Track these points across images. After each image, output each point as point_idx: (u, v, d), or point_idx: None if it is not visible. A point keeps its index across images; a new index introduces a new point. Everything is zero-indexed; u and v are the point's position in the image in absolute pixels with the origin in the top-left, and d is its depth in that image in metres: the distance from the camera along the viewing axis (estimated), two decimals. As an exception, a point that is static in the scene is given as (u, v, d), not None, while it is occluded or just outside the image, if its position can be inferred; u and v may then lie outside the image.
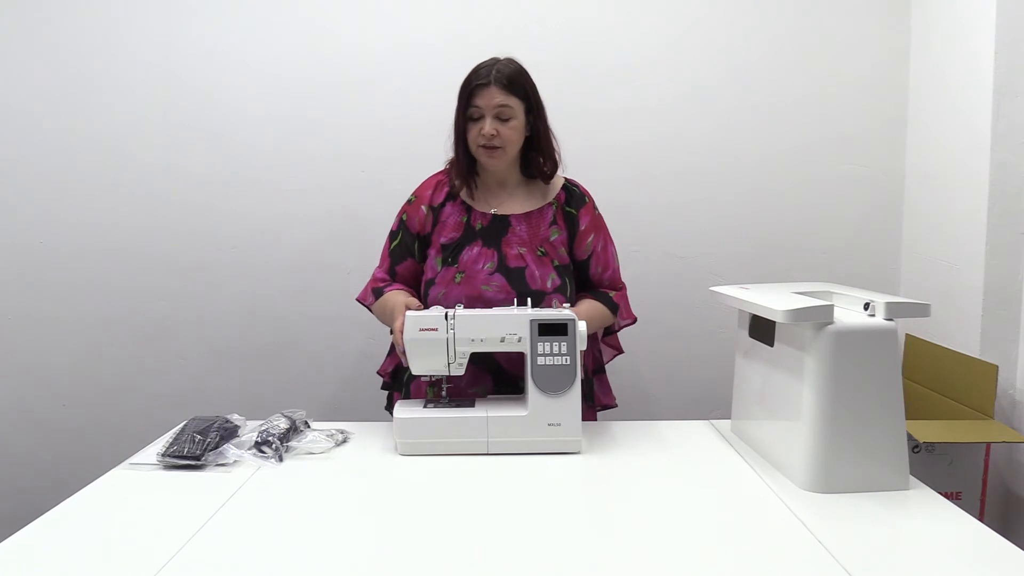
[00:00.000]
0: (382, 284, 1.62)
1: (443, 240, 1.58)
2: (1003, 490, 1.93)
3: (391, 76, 2.27)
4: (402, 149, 2.26)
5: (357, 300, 1.66)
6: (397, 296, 1.52)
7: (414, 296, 1.58)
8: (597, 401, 1.67)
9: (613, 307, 1.63)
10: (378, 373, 1.72)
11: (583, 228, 1.61)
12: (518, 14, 2.26)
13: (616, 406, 1.70)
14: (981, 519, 1.43)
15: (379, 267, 1.66)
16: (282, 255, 2.33)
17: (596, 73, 2.27)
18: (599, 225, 1.65)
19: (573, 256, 1.62)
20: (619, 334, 1.73)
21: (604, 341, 1.71)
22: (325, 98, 2.28)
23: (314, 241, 2.33)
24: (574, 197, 1.63)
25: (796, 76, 2.29)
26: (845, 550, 0.99)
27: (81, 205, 2.30)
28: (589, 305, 1.59)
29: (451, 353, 1.40)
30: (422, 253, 1.62)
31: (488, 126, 1.50)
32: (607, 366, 1.71)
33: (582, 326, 1.40)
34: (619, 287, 1.68)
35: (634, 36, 2.27)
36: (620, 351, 1.73)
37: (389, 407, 1.69)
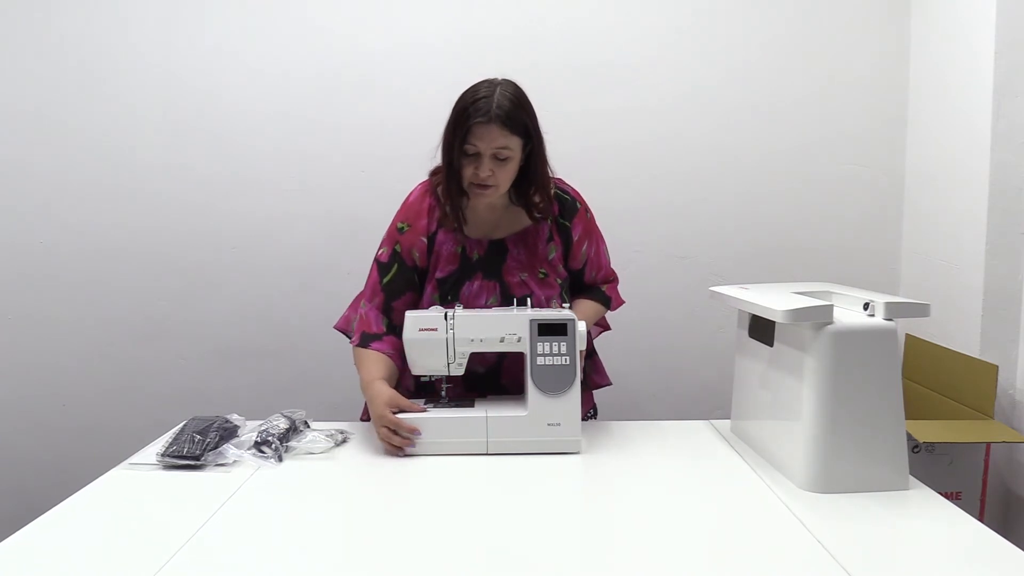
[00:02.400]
0: (375, 332, 1.49)
1: (440, 275, 1.50)
2: (1003, 490, 1.93)
3: (391, 76, 2.27)
4: (402, 149, 2.25)
5: (336, 328, 1.61)
6: (382, 387, 1.39)
7: (396, 363, 1.47)
8: (592, 383, 1.66)
9: (606, 300, 1.63)
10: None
11: (576, 239, 1.56)
12: (518, 14, 2.25)
13: (611, 384, 1.68)
14: (981, 519, 1.43)
15: (368, 302, 1.52)
16: (282, 255, 2.33)
17: (596, 73, 2.27)
18: (590, 230, 1.59)
19: (568, 267, 1.58)
20: (609, 317, 1.72)
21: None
22: (325, 98, 2.28)
23: (314, 241, 2.33)
24: (566, 206, 1.55)
25: (796, 76, 2.29)
26: (845, 550, 0.99)
27: (81, 205, 2.31)
28: (585, 306, 1.58)
29: (451, 353, 1.40)
30: (422, 286, 1.53)
31: (485, 169, 1.39)
32: (597, 345, 1.69)
33: (582, 326, 1.40)
34: (611, 279, 1.67)
35: (634, 36, 2.27)
36: (607, 327, 1.72)
37: None
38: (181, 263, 2.33)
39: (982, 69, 1.91)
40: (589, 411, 1.68)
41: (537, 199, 1.49)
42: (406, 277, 1.51)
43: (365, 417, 1.58)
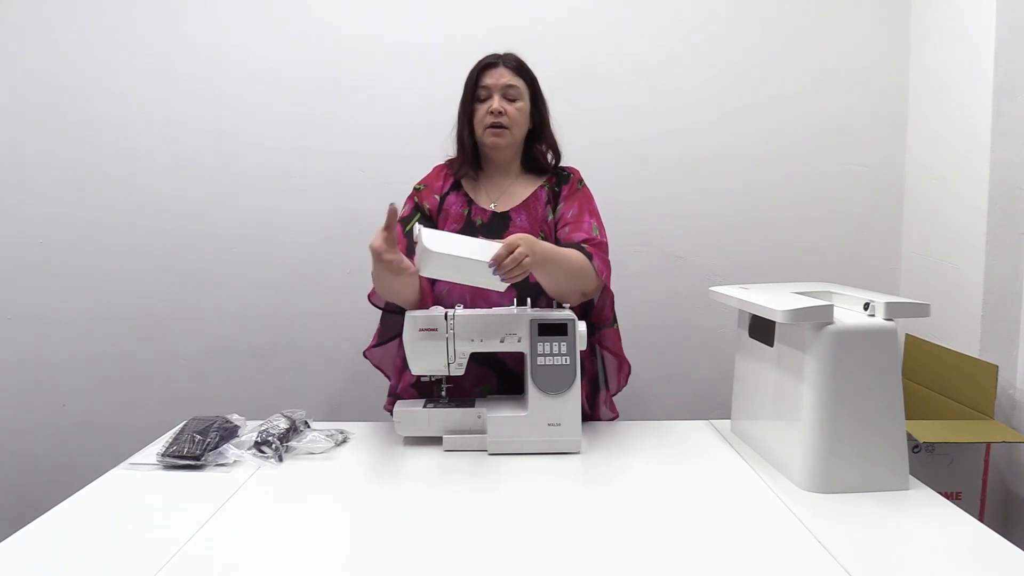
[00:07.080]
0: None
1: (446, 231, 1.58)
2: (1003, 490, 1.93)
3: (391, 76, 2.27)
4: (402, 149, 2.25)
5: (370, 301, 1.61)
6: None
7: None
8: (596, 417, 1.67)
9: (588, 255, 1.49)
10: (385, 408, 1.68)
11: (562, 205, 1.61)
12: (518, 13, 2.25)
13: (617, 415, 1.70)
14: (981, 519, 1.43)
15: None
16: (282, 255, 2.33)
17: (595, 72, 2.27)
18: (576, 197, 1.61)
19: (556, 233, 1.59)
20: (623, 342, 1.69)
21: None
22: (326, 97, 2.28)
23: (314, 241, 2.32)
24: (561, 177, 1.66)
25: (796, 75, 2.29)
26: (845, 550, 0.99)
27: (81, 205, 2.30)
28: (568, 251, 1.48)
29: (451, 353, 1.40)
30: None
31: (496, 103, 1.53)
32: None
33: (582, 326, 1.40)
34: (593, 244, 1.55)
35: (633, 35, 2.27)
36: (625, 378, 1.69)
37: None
38: (181, 263, 2.33)
39: (982, 69, 1.91)
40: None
41: (551, 158, 1.65)
42: (428, 223, 1.59)
43: (389, 408, 1.63)
